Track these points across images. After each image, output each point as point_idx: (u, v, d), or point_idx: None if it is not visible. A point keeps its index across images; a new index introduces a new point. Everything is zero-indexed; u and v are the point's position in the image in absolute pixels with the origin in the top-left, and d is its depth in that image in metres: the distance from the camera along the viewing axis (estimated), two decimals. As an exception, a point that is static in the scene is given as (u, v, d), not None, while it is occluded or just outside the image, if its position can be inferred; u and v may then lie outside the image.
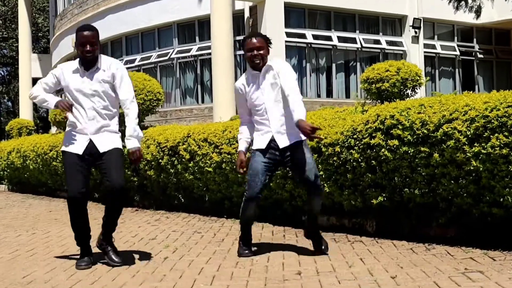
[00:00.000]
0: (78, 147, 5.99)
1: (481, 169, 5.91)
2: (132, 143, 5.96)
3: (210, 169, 9.00)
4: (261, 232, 7.73)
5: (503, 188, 5.86)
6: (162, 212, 10.17)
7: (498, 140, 5.73)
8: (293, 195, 7.93)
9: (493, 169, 5.86)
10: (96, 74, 6.01)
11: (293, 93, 5.91)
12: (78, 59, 6.11)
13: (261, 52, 6.11)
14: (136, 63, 21.88)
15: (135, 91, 10.90)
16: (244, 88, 6.29)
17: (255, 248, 6.37)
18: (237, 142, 8.50)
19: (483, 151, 5.84)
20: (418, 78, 8.26)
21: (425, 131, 6.30)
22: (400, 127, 6.52)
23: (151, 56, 21.69)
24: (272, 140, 6.10)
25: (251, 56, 6.11)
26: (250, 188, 6.10)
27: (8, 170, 17.13)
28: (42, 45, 43.99)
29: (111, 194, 5.96)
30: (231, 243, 6.99)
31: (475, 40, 23.54)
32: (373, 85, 8.32)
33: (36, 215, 10.86)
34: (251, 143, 6.33)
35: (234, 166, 8.53)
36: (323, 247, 6.22)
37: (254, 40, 6.14)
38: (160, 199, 10.59)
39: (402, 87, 8.20)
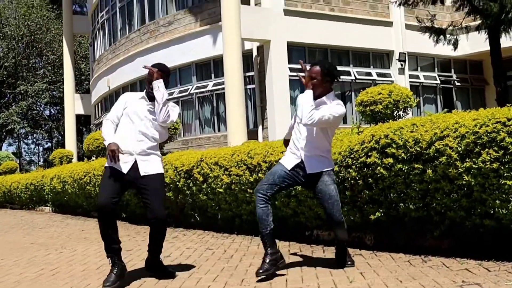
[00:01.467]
0: (121, 166, 5.34)
1: (472, 183, 5.20)
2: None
3: (221, 190, 8.34)
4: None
5: (494, 200, 5.14)
6: (180, 230, 9.47)
7: (489, 155, 5.03)
8: (297, 212, 7.23)
9: (484, 183, 5.15)
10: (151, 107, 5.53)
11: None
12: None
13: (315, 76, 5.34)
14: (161, 98, 21.42)
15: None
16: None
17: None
18: (244, 164, 7.89)
19: (474, 166, 5.14)
20: (409, 99, 7.55)
21: (418, 149, 5.59)
22: (394, 145, 5.82)
23: (174, 92, 21.24)
24: (301, 162, 5.38)
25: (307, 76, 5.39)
26: (260, 184, 5.38)
27: (51, 194, 16.56)
28: (84, 86, 43.66)
29: (153, 224, 5.36)
30: (239, 259, 6.27)
31: (453, 70, 23.17)
32: (367, 108, 7.61)
33: (69, 234, 10.18)
34: None
35: (243, 187, 7.89)
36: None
37: (315, 68, 5.38)
38: (178, 218, 9.91)
39: (394, 108, 7.49)
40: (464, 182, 5.27)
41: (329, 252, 6.31)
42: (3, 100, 44.30)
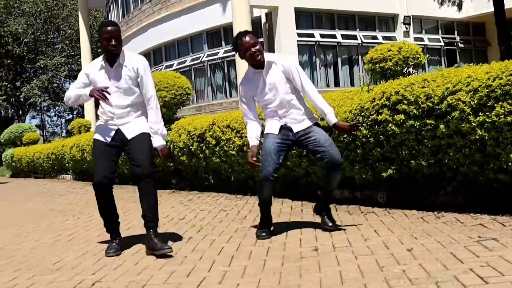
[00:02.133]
0: (106, 136, 4.94)
1: (486, 137, 4.88)
2: (157, 141, 4.92)
3: (233, 152, 8.05)
4: (281, 207, 6.74)
5: (508, 154, 4.82)
6: (195, 193, 9.22)
7: (503, 108, 4.70)
8: (309, 172, 6.93)
9: (498, 137, 4.83)
10: (120, 71, 4.90)
11: (312, 91, 4.94)
12: (102, 56, 4.97)
13: (258, 47, 4.93)
14: (174, 67, 21.15)
15: (166, 87, 10.03)
16: (249, 88, 5.09)
17: (273, 228, 5.28)
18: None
19: (487, 120, 4.81)
20: (419, 56, 7.15)
21: (430, 104, 5.26)
22: (405, 102, 5.48)
23: (186, 60, 20.97)
24: (285, 124, 5.05)
25: (252, 53, 4.91)
26: (263, 169, 4.91)
27: (71, 162, 16.37)
28: (101, 59, 43.39)
29: (140, 180, 4.84)
30: (252, 220, 6.02)
31: (456, 32, 22.75)
32: (377, 65, 7.21)
33: (87, 200, 9.96)
34: (261, 136, 5.20)
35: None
36: (334, 222, 5.17)
37: (247, 38, 4.95)
38: (193, 181, 9.66)
39: (404, 65, 7.10)
40: (477, 137, 4.94)
41: (342, 211, 6.03)
42: (25, 75, 44.06)
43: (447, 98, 5.10)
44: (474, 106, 4.91)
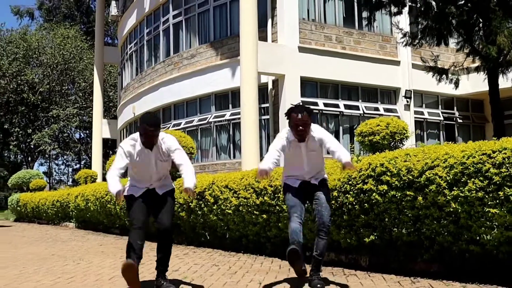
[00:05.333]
0: (139, 192, 5.67)
1: (459, 210, 5.25)
2: (189, 183, 5.40)
3: (230, 211, 8.41)
4: (270, 266, 7.05)
5: (479, 227, 5.18)
6: (191, 248, 9.52)
7: (474, 185, 5.08)
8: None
9: (470, 210, 5.20)
10: (157, 154, 5.61)
11: (341, 149, 5.43)
12: (138, 137, 5.59)
13: (307, 128, 5.44)
14: (182, 126, 21.61)
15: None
16: (288, 143, 5.55)
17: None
18: (251, 188, 7.97)
19: (461, 194, 5.19)
20: (405, 131, 7.60)
21: (410, 177, 5.65)
22: (388, 173, 5.88)
23: (194, 120, 21.44)
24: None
25: (298, 131, 5.41)
26: (291, 211, 5.47)
27: (75, 211, 16.70)
28: (112, 113, 43.99)
29: (160, 233, 5.61)
30: (241, 275, 6.32)
31: (455, 108, 23.16)
32: (366, 138, 7.66)
33: (88, 248, 10.27)
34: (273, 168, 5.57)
35: (250, 209, 7.95)
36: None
37: (300, 116, 5.40)
38: (190, 236, 9.98)
39: (391, 139, 7.53)
40: (451, 209, 5.31)
41: (327, 272, 6.33)
42: (37, 123, 44.69)
43: (425, 172, 5.49)
44: (449, 181, 5.29)
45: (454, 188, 5.25)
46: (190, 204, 9.45)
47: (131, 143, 5.61)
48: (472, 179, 5.10)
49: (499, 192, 4.91)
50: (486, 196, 5.02)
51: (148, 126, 5.43)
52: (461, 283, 5.25)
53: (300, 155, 5.54)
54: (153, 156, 5.59)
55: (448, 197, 5.29)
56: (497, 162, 4.94)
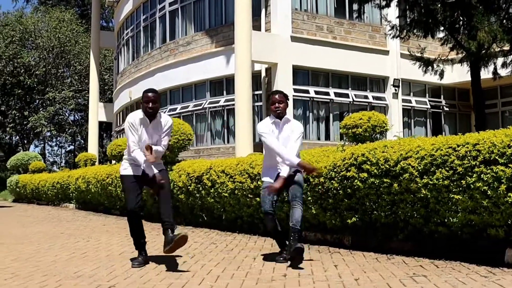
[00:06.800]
0: (136, 171, 6.24)
1: (429, 196, 6.00)
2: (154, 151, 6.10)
3: (226, 194, 9.13)
4: (263, 244, 7.82)
5: (445, 211, 5.95)
6: (190, 228, 10.25)
7: (441, 174, 5.82)
8: (288, 216, 7.99)
9: (438, 196, 5.95)
10: (158, 127, 6.21)
11: (294, 149, 6.17)
12: (142, 112, 6.18)
13: (282, 105, 6.28)
14: (177, 111, 22.20)
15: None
16: (271, 130, 6.30)
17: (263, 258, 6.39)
18: (246, 173, 8.69)
19: (430, 182, 5.94)
20: (385, 125, 8.39)
21: (387, 166, 6.40)
22: (368, 163, 6.63)
23: (189, 105, 22.05)
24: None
25: (276, 107, 6.28)
26: (263, 204, 6.36)
27: (76, 193, 17.39)
28: (107, 96, 44.50)
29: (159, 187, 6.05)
30: (237, 252, 7.08)
31: (442, 96, 23.77)
32: (350, 130, 8.46)
33: (93, 227, 11.01)
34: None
35: (245, 192, 8.68)
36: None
37: (277, 96, 6.31)
38: (188, 218, 10.71)
39: (372, 132, 8.32)
40: (422, 195, 6.06)
41: (313, 250, 7.09)
42: (33, 105, 45.25)
43: (400, 162, 6.24)
44: (420, 170, 6.04)
45: (425, 177, 6.00)
46: (189, 187, 10.17)
47: (134, 115, 6.22)
48: (440, 169, 5.85)
49: (462, 181, 5.66)
50: (451, 184, 5.76)
51: (149, 93, 6.11)
52: (430, 260, 6.02)
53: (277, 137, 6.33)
54: (151, 128, 6.14)
55: (419, 184, 6.04)
56: (461, 154, 5.68)
